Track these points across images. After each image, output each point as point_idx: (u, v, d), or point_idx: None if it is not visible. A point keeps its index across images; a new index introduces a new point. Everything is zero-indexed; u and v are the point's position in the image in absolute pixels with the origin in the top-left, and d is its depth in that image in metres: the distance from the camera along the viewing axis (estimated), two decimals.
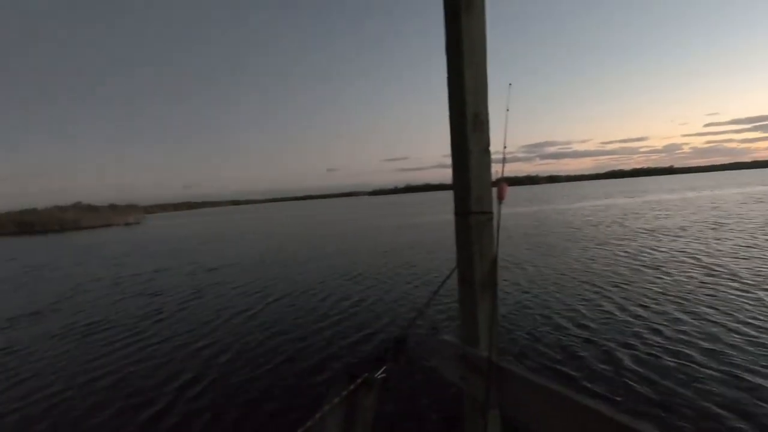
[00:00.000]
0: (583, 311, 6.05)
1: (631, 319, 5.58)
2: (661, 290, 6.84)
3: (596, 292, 6.98)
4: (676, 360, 4.29)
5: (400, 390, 3.98)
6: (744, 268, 7.91)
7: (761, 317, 5.30)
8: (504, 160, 1.43)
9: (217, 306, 8.08)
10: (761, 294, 6.26)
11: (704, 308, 5.79)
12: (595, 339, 5.01)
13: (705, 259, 8.97)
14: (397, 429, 3.47)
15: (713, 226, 14.17)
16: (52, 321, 7.94)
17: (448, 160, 1.36)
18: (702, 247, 10.31)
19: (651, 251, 10.31)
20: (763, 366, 4.02)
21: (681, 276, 7.65)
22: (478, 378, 1.28)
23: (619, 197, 38.21)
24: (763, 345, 4.48)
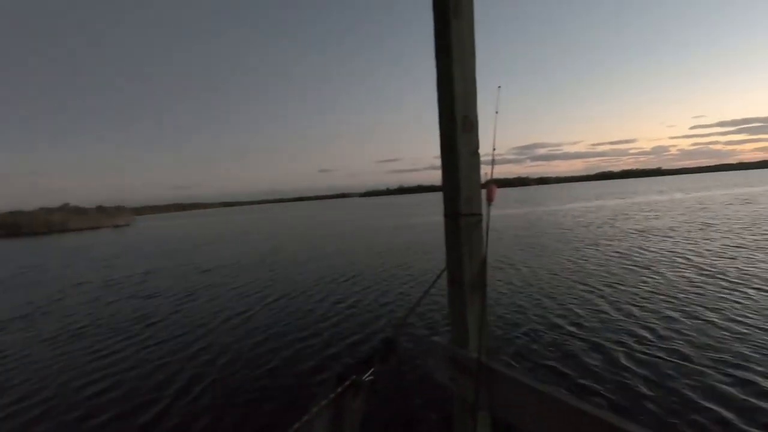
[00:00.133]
0: (577, 310, 6.12)
1: (623, 318, 5.66)
2: (652, 289, 6.95)
3: (589, 292, 7.07)
4: (666, 357, 4.35)
5: (390, 391, 3.98)
6: (732, 267, 8.07)
7: (748, 314, 5.41)
8: (493, 162, 1.44)
9: (212, 308, 8.01)
10: (748, 291, 6.38)
11: (694, 306, 5.89)
12: (589, 337, 5.07)
13: (695, 258, 9.13)
14: (387, 430, 3.47)
15: (701, 226, 14.42)
16: (42, 324, 7.82)
17: (440, 162, 1.37)
18: (691, 247, 10.48)
19: (641, 251, 10.45)
20: (751, 361, 4.10)
21: (671, 275, 7.77)
22: (467, 379, 1.29)
23: (609, 198, 38.66)
24: (750, 340, 4.57)
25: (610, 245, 11.79)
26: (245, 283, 10.30)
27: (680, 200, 29.39)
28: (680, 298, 6.37)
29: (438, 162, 1.39)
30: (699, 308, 5.81)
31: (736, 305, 5.82)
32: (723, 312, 5.60)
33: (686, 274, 7.77)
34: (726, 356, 4.30)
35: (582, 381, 4.04)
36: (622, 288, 7.17)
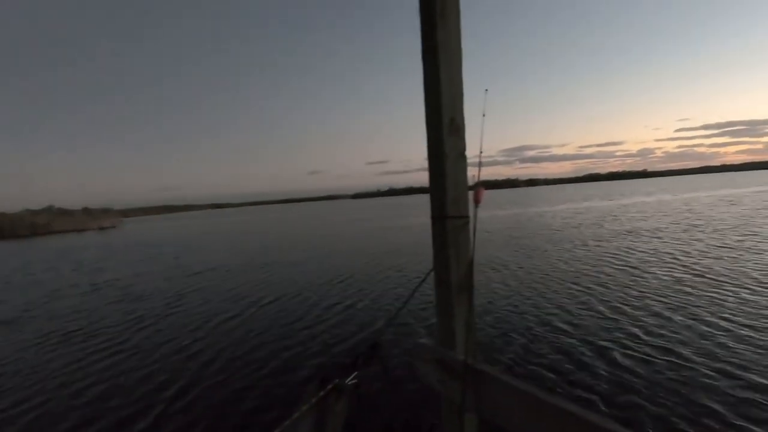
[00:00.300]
0: (568, 309, 6.21)
1: (613, 316, 5.76)
2: (641, 288, 7.08)
3: (580, 291, 7.17)
4: (657, 354, 4.42)
5: (375, 394, 3.97)
6: (718, 266, 8.24)
7: (733, 311, 5.54)
8: (480, 165, 1.45)
9: (202, 312, 7.92)
10: (733, 290, 6.53)
11: (681, 304, 6.01)
12: (580, 336, 5.14)
13: (682, 258, 9.29)
14: None
15: (687, 227, 14.68)
16: (28, 329, 7.64)
17: None
18: (678, 248, 10.67)
19: (630, 252, 10.61)
20: (736, 356, 4.19)
21: (659, 275, 7.90)
22: (454, 381, 1.29)
23: (597, 200, 39.18)
24: (736, 336, 4.67)
25: (599, 246, 11.95)
26: (235, 286, 10.20)
27: (667, 202, 29.90)
28: (668, 296, 6.49)
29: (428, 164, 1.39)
30: (686, 306, 5.94)
31: (722, 303, 5.97)
32: (709, 310, 5.73)
33: (675, 274, 7.91)
34: (712, 351, 4.40)
35: (572, 378, 4.09)
36: (613, 287, 7.29)
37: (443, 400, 1.41)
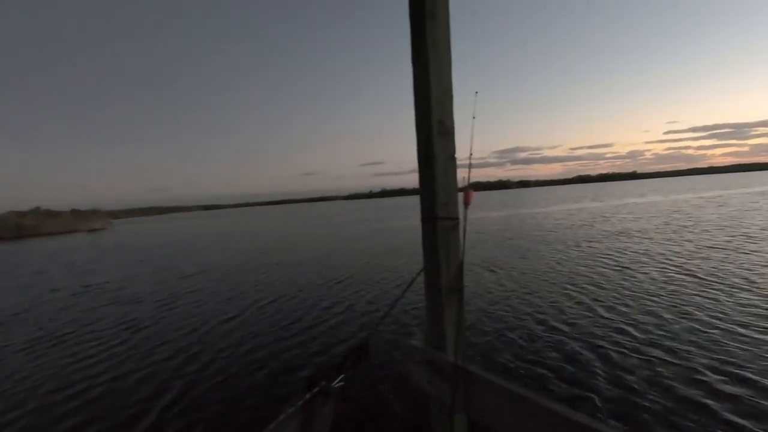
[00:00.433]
0: (561, 309, 6.27)
1: (606, 316, 5.83)
2: (632, 288, 7.19)
3: (573, 291, 7.24)
4: (648, 351, 4.47)
5: (362, 397, 3.97)
6: (708, 266, 8.37)
7: (722, 309, 5.65)
8: (470, 167, 1.45)
9: (195, 314, 7.83)
10: (721, 289, 6.65)
11: (672, 303, 6.09)
12: (573, 335, 5.19)
13: (673, 258, 9.42)
14: None
15: (676, 228, 14.88)
16: (17, 333, 7.50)
17: None
18: (668, 248, 10.81)
19: (622, 252, 10.72)
20: (725, 353, 4.25)
21: (650, 275, 8.00)
22: (444, 382, 1.29)
23: (588, 201, 39.56)
24: (726, 333, 4.75)
25: (591, 247, 12.07)
26: (228, 288, 10.12)
27: (656, 203, 30.30)
28: (660, 295, 6.61)
29: None
30: (677, 305, 6.05)
31: (712, 301, 6.10)
32: (699, 308, 5.85)
33: (665, 274, 8.03)
34: (702, 348, 4.49)
35: (566, 376, 4.13)
36: (605, 287, 7.38)
37: (433, 402, 1.41)
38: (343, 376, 1.22)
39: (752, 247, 10.17)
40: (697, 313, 5.70)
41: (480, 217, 27.47)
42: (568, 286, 7.67)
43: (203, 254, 18.28)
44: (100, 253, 23.32)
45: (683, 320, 5.45)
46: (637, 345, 4.78)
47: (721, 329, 5.05)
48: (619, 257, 10.10)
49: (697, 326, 5.20)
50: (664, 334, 5.05)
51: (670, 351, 4.56)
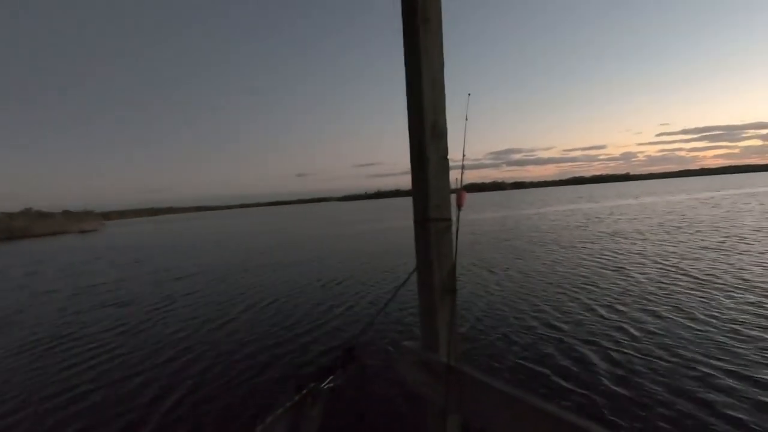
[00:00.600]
0: (554, 310, 6.29)
1: (598, 317, 5.87)
2: (624, 289, 7.25)
3: (567, 292, 7.29)
4: (638, 354, 4.51)
5: (357, 396, 3.96)
6: (701, 267, 8.48)
7: (715, 309, 5.74)
8: (463, 168, 1.46)
9: (189, 316, 7.78)
10: (712, 290, 6.73)
11: (664, 304, 6.15)
12: (566, 336, 5.23)
13: (667, 259, 9.50)
14: None
15: (670, 229, 15.03)
16: (9, 335, 7.41)
17: None
18: (661, 249, 10.91)
19: (616, 253, 10.81)
20: (714, 355, 4.30)
21: (644, 274, 8.07)
22: (438, 383, 1.30)
23: (582, 203, 39.85)
24: (719, 332, 4.80)
25: (585, 247, 12.15)
26: (222, 290, 10.07)
27: (650, 204, 30.56)
28: (654, 295, 6.70)
29: None
30: (671, 304, 6.13)
31: (705, 301, 6.19)
32: (692, 307, 5.93)
33: (659, 274, 8.12)
34: (695, 347, 4.56)
35: (558, 377, 4.15)
36: (598, 288, 7.43)
37: (427, 403, 1.41)
38: (332, 377, 1.21)
39: (744, 246, 10.30)
40: (691, 310, 5.77)
41: (476, 218, 27.57)
42: (565, 286, 7.74)
43: (196, 256, 18.16)
44: (93, 254, 23.09)
45: (675, 319, 5.52)
46: (630, 344, 4.83)
47: (712, 327, 5.11)
48: (614, 257, 10.19)
49: (689, 324, 5.26)
50: (656, 332, 5.10)
51: (664, 347, 4.62)
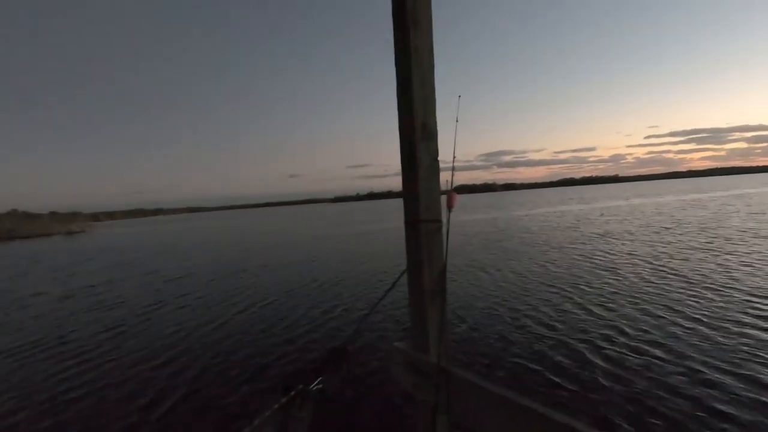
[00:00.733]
0: (546, 310, 6.36)
1: (589, 317, 5.94)
2: (614, 289, 7.35)
3: (557, 293, 7.37)
4: (630, 353, 4.57)
5: (346, 398, 3.95)
6: (688, 267, 8.62)
7: (701, 309, 5.85)
8: (453, 170, 1.47)
9: (181, 318, 7.67)
10: (701, 290, 6.87)
11: (654, 303, 6.26)
12: (558, 336, 5.28)
13: (655, 259, 9.65)
14: None
15: (658, 230, 15.26)
16: None
17: None
18: (650, 250, 11.07)
19: (606, 254, 10.93)
20: (703, 354, 4.37)
21: (633, 275, 8.19)
22: (428, 384, 1.30)
23: (572, 204, 40.24)
24: (703, 332, 4.89)
25: (576, 248, 12.27)
26: (213, 291, 9.97)
27: (639, 205, 30.97)
28: (642, 295, 6.80)
29: None
30: (659, 304, 6.22)
31: (692, 301, 6.30)
32: (680, 307, 6.02)
33: (647, 275, 8.23)
34: (681, 347, 4.62)
35: (551, 377, 4.19)
36: (588, 288, 7.52)
37: (417, 404, 1.41)
38: (321, 378, 1.21)
39: (731, 247, 10.49)
40: (676, 312, 5.85)
41: (468, 219, 27.69)
42: (559, 286, 7.83)
43: (185, 258, 17.95)
44: (81, 256, 22.72)
45: (662, 319, 5.60)
46: (618, 344, 4.88)
47: (697, 327, 5.20)
48: (606, 257, 10.32)
49: (676, 325, 5.34)
50: (644, 332, 5.17)
51: (648, 349, 4.67)
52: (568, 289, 7.59)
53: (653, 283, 7.59)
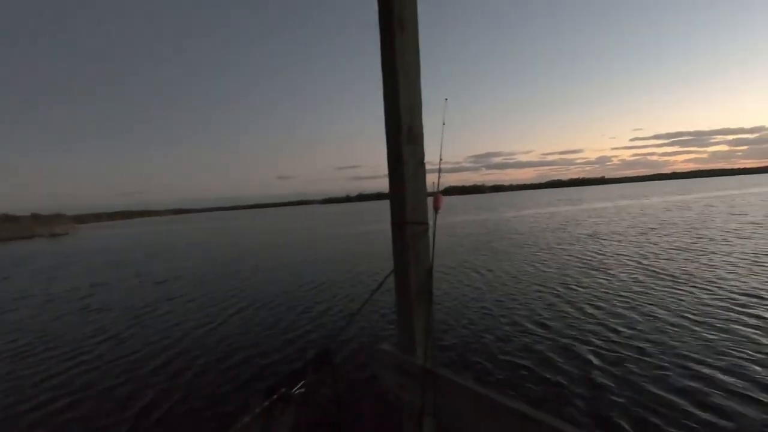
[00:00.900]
0: (537, 310, 6.42)
1: (580, 316, 6.02)
2: (604, 289, 7.46)
3: (547, 293, 7.43)
4: (622, 351, 4.63)
5: (329, 401, 3.93)
6: (673, 267, 8.78)
7: (687, 307, 5.97)
8: (440, 172, 1.47)
9: (170, 322, 7.53)
10: (688, 288, 7.02)
11: (640, 303, 6.35)
12: (548, 335, 5.33)
13: (641, 259, 9.80)
14: None
15: (644, 231, 15.52)
16: None
17: None
18: (636, 250, 11.24)
19: (594, 254, 11.07)
20: (691, 350, 4.45)
21: (620, 275, 8.30)
22: (414, 385, 1.30)
23: (560, 205, 40.69)
24: (689, 330, 4.98)
25: (564, 249, 12.41)
26: (203, 294, 9.82)
27: (624, 207, 31.45)
28: (628, 295, 6.91)
29: None
30: (644, 304, 6.33)
31: (677, 300, 6.42)
32: (665, 306, 6.15)
33: (634, 275, 8.37)
34: (668, 345, 4.72)
35: (544, 376, 4.22)
36: (577, 288, 7.61)
37: (404, 405, 1.41)
38: (303, 381, 1.20)
39: (713, 248, 10.71)
40: (661, 311, 5.95)
41: (458, 220, 27.82)
42: (549, 285, 7.93)
43: (171, 260, 17.70)
44: (65, 258, 22.22)
45: (649, 318, 5.69)
46: (607, 344, 4.95)
47: (683, 326, 5.30)
48: (590, 259, 10.44)
49: (662, 323, 5.44)
50: (631, 331, 5.25)
51: (636, 348, 4.75)
52: (559, 288, 7.70)
53: (641, 281, 7.75)
